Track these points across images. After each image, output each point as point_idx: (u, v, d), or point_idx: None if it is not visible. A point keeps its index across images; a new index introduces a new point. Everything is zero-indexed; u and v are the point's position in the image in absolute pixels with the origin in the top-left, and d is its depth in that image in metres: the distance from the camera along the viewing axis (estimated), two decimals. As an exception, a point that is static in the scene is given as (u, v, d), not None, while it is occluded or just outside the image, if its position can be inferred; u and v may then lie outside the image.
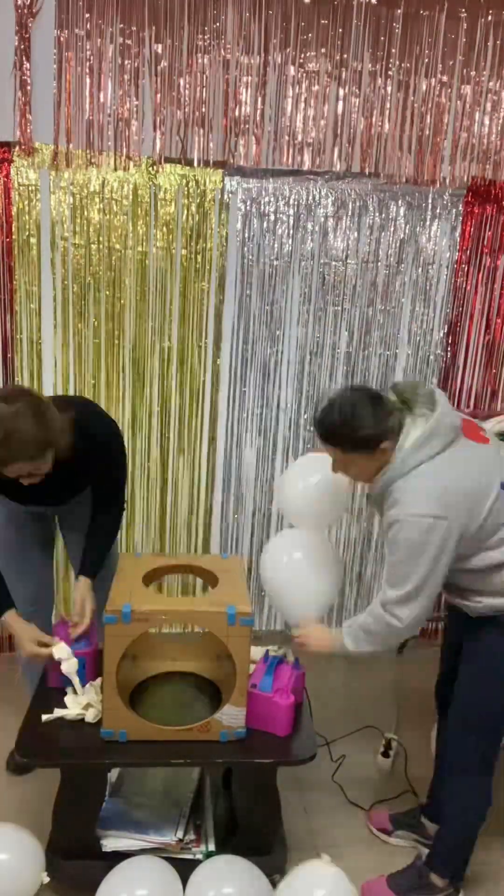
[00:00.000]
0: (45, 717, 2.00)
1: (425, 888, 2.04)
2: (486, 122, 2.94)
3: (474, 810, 2.00)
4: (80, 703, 2.02)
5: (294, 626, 2.17)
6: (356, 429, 1.82)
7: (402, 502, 1.79)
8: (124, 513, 2.42)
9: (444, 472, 1.80)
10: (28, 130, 2.70)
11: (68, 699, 2.04)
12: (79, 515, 2.33)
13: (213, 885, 1.86)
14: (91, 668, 2.10)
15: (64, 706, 2.03)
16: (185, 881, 1.89)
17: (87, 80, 2.68)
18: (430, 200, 3.01)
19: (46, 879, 1.96)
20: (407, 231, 3.02)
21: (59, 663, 2.02)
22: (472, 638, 1.98)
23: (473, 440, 1.90)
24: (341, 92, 2.83)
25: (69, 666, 2.01)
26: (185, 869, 1.91)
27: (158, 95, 2.73)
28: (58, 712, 2.01)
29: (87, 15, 2.64)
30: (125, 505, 2.38)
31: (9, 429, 1.77)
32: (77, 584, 2.23)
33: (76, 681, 2.04)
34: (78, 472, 2.14)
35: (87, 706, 2.02)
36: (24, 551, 2.37)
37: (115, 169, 2.77)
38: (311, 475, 2.21)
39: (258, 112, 2.80)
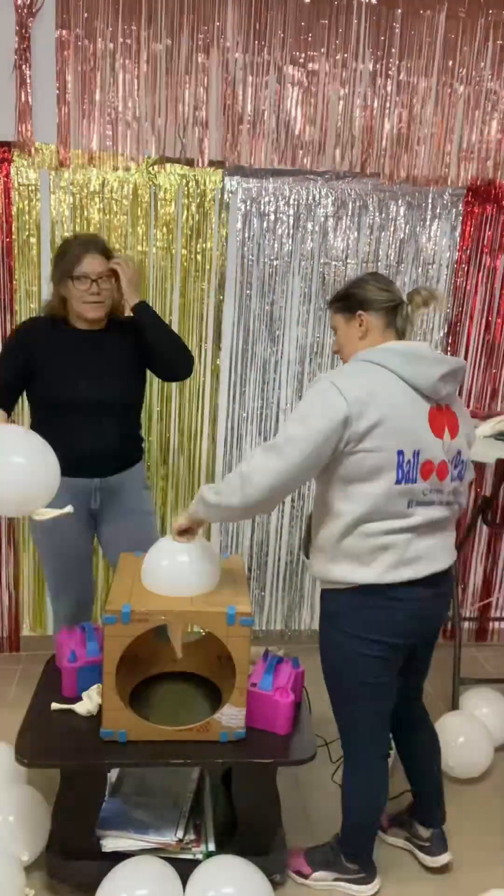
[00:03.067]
0: (54, 706, 2.03)
1: (337, 867, 2.09)
2: (487, 121, 2.94)
3: (362, 805, 2.03)
4: (94, 701, 2.03)
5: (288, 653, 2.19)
6: (347, 287, 1.92)
7: (336, 372, 1.81)
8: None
9: (382, 382, 1.76)
10: (28, 130, 2.70)
11: (85, 695, 2.06)
12: (121, 502, 2.38)
13: (213, 885, 1.86)
14: None
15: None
16: (185, 881, 1.89)
17: (87, 80, 2.68)
18: (430, 200, 3.01)
19: (31, 893, 1.95)
20: (407, 231, 3.02)
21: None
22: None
23: (431, 427, 1.82)
24: (341, 92, 2.83)
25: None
26: (185, 869, 1.91)
27: (158, 95, 2.73)
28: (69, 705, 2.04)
29: (87, 15, 2.64)
30: (191, 365, 2.44)
31: (84, 235, 2.39)
32: None
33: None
34: (120, 343, 2.33)
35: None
36: (67, 559, 2.45)
37: (115, 169, 2.78)
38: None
39: (258, 112, 2.80)
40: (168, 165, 2.80)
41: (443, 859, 2.15)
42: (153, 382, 3.00)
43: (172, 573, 1.97)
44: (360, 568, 1.80)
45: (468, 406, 3.24)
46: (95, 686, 2.05)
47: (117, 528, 2.45)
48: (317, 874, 2.10)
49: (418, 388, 1.79)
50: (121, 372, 2.34)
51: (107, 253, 2.27)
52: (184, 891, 1.88)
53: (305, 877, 2.10)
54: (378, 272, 1.96)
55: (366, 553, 1.79)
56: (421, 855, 2.18)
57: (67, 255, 2.23)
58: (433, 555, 1.87)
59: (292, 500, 3.24)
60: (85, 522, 2.42)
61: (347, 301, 1.90)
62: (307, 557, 1.98)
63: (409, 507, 1.80)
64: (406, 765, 2.20)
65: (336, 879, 2.09)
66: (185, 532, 1.98)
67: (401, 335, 1.89)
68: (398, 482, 1.76)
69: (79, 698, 2.06)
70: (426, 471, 1.81)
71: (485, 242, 3.08)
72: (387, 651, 1.87)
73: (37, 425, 2.30)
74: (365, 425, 1.72)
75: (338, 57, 2.80)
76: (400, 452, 1.75)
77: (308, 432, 1.71)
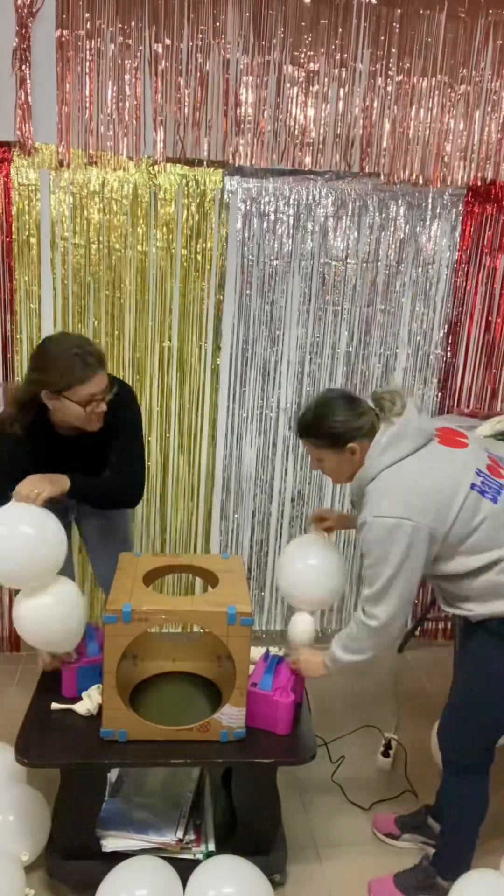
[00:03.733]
0: (54, 706, 2.03)
1: (431, 888, 2.05)
2: (486, 121, 2.94)
3: (471, 812, 2.01)
4: (94, 701, 2.03)
5: (289, 653, 2.19)
6: (326, 424, 1.90)
7: (370, 504, 1.84)
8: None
9: (409, 473, 1.83)
10: (28, 130, 2.70)
11: (85, 695, 2.06)
12: (97, 526, 2.39)
13: (213, 885, 1.85)
14: None
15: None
16: (185, 881, 1.89)
17: (87, 80, 2.68)
18: (430, 200, 3.01)
19: (31, 893, 1.95)
20: (407, 231, 3.02)
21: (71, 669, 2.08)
22: (466, 642, 2.00)
23: (449, 446, 1.91)
24: (341, 92, 2.83)
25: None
26: (185, 869, 1.91)
27: (158, 95, 2.73)
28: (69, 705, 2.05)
29: (87, 15, 2.64)
30: (138, 495, 2.28)
31: (81, 344, 2.04)
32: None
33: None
34: (105, 440, 2.18)
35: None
36: None
37: (115, 169, 2.78)
38: (309, 557, 2.20)
39: (258, 112, 2.80)
40: (168, 165, 2.80)
41: None
42: (153, 381, 3.00)
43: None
44: None
45: (468, 406, 3.24)
46: (95, 686, 2.05)
47: (98, 541, 2.52)
48: (406, 835, 2.24)
49: (428, 435, 1.89)
50: (102, 468, 2.23)
51: (105, 363, 2.09)
52: (184, 891, 1.88)
53: (395, 839, 2.23)
54: (340, 392, 1.98)
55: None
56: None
57: (67, 371, 2.00)
58: None
59: (292, 500, 3.24)
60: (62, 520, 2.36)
61: (333, 438, 1.90)
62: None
63: None
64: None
65: (423, 843, 2.19)
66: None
67: (373, 428, 1.91)
68: (494, 502, 1.84)
69: (79, 698, 2.06)
70: (496, 469, 1.90)
71: (485, 242, 3.08)
72: None
73: None
74: (447, 523, 1.80)
75: (338, 57, 2.80)
76: (472, 486, 1.83)
77: (404, 572, 1.81)
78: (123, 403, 2.19)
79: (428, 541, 1.80)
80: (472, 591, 1.88)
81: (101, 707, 1.98)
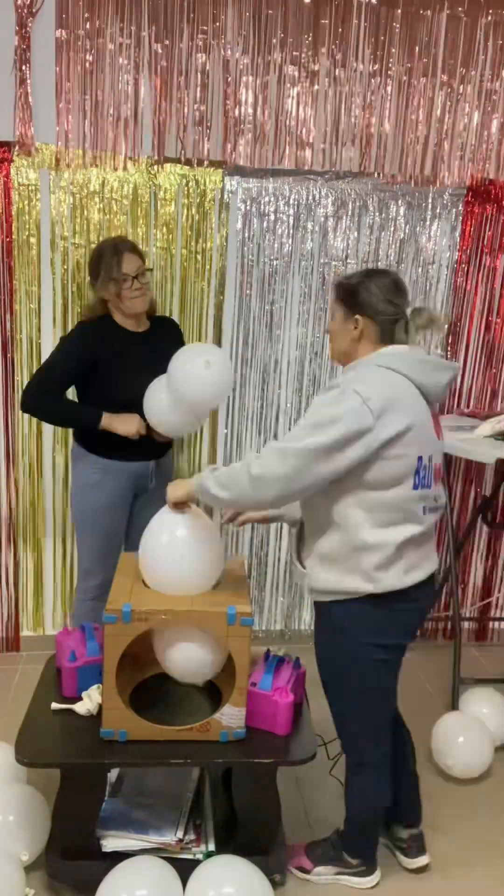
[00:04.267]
0: (54, 706, 2.03)
1: (339, 861, 2.11)
2: (486, 121, 2.94)
3: (366, 803, 2.05)
4: (94, 701, 2.03)
5: (289, 654, 2.19)
6: (353, 282, 1.85)
7: (354, 378, 1.75)
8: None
9: (389, 381, 1.75)
10: (28, 130, 2.70)
11: (85, 695, 2.06)
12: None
13: (213, 885, 1.85)
14: None
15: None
16: (185, 881, 1.89)
17: (87, 80, 2.68)
18: (430, 200, 3.01)
19: (31, 892, 1.95)
20: (407, 231, 3.02)
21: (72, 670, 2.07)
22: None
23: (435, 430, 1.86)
24: (341, 92, 2.83)
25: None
26: (185, 869, 1.91)
27: (158, 95, 2.73)
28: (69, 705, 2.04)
29: (87, 15, 2.64)
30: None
31: (115, 238, 2.55)
32: None
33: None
34: (162, 343, 2.51)
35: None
36: (109, 538, 2.64)
37: (115, 169, 2.78)
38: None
39: (258, 112, 2.80)
40: (168, 165, 2.81)
41: (421, 861, 2.15)
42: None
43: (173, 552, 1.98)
44: (379, 574, 1.78)
45: (468, 406, 3.24)
46: (96, 686, 2.05)
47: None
48: (318, 868, 2.11)
49: (427, 394, 1.81)
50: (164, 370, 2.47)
51: (137, 250, 2.48)
52: (184, 891, 1.88)
53: (307, 872, 2.11)
54: (398, 278, 1.86)
55: (384, 560, 1.78)
56: (399, 856, 2.18)
57: (104, 260, 2.41)
58: (431, 553, 1.92)
59: (292, 500, 3.24)
60: (128, 507, 2.65)
61: (351, 298, 1.84)
62: (303, 567, 1.95)
63: (423, 513, 1.82)
64: None
65: (338, 874, 2.11)
66: (181, 505, 1.97)
67: (391, 326, 1.84)
68: (415, 488, 1.77)
69: (79, 698, 2.06)
70: (437, 475, 1.84)
71: (485, 242, 3.08)
72: (399, 653, 1.91)
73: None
74: (390, 432, 1.70)
75: (338, 57, 2.80)
76: (419, 458, 1.77)
77: (328, 441, 1.67)
78: (175, 323, 2.77)
79: (364, 439, 1.67)
80: (333, 549, 1.81)
81: (101, 707, 1.98)
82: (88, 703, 2.03)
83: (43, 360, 2.90)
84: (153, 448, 2.58)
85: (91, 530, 2.64)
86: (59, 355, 2.50)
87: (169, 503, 1.98)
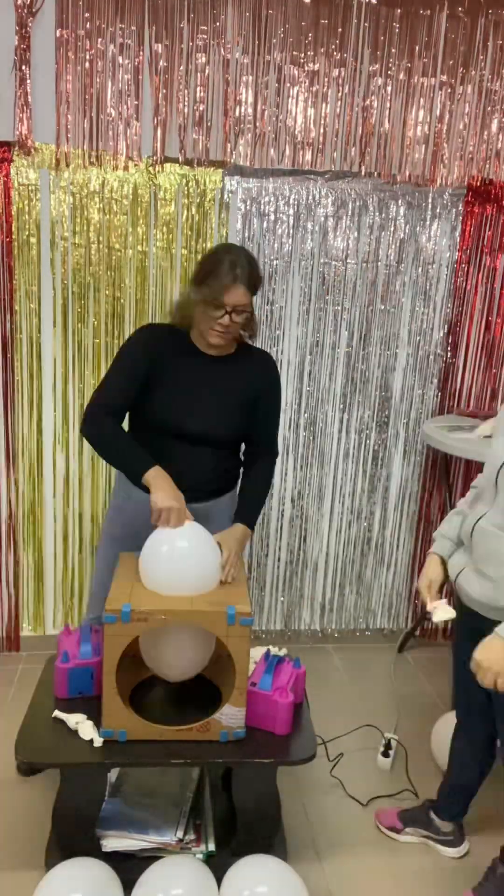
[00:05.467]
0: (56, 714, 2.02)
1: (430, 826, 2.24)
2: (486, 121, 2.94)
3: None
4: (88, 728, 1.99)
5: (289, 653, 2.19)
6: None
7: None
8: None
9: None
10: (28, 130, 2.70)
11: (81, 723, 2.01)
12: (206, 526, 2.14)
13: (248, 885, 1.86)
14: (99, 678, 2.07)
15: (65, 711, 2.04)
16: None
17: (87, 80, 2.68)
18: (430, 200, 3.01)
19: None
20: (407, 231, 3.02)
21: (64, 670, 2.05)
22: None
23: None
24: (341, 92, 2.83)
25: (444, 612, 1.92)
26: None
27: (158, 95, 2.73)
28: (64, 716, 2.01)
29: (87, 15, 2.64)
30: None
31: (236, 256, 2.10)
32: (232, 530, 2.18)
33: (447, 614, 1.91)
34: (239, 378, 2.24)
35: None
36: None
37: (115, 169, 2.78)
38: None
39: (258, 112, 2.80)
40: (168, 165, 2.81)
41: (464, 848, 2.25)
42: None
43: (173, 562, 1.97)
44: None
45: (468, 406, 3.24)
46: (91, 724, 1.99)
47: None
48: (408, 829, 2.26)
49: None
50: (231, 409, 2.24)
51: (254, 286, 2.12)
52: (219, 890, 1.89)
53: (398, 832, 2.27)
54: None
55: None
56: (442, 848, 2.24)
57: (215, 278, 2.07)
58: None
59: (292, 500, 3.24)
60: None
61: None
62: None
63: None
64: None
65: (426, 837, 2.23)
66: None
67: None
68: None
69: (72, 699, 2.06)
70: None
71: (485, 242, 3.08)
72: None
73: (133, 435, 2.24)
74: None
75: (338, 57, 2.80)
76: None
77: None
78: (272, 365, 2.34)
79: None
80: None
81: (100, 707, 1.98)
82: (84, 732, 1.99)
83: (44, 361, 2.92)
84: (189, 491, 2.11)
85: (121, 543, 2.28)
86: (115, 363, 2.19)
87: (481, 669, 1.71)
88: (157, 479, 2.03)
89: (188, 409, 2.18)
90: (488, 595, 1.78)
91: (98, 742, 1.93)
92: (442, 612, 1.89)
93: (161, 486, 2.01)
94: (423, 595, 1.96)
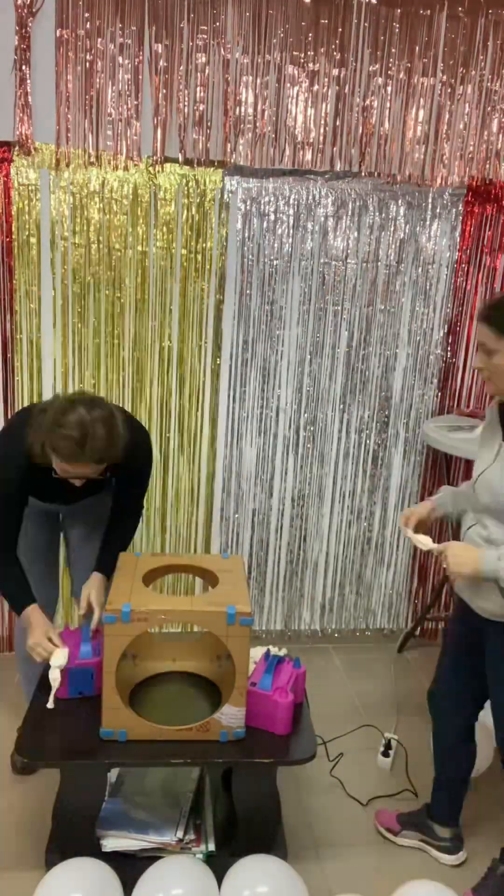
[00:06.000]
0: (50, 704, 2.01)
1: (427, 831, 2.23)
2: (486, 121, 2.94)
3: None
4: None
5: (289, 653, 2.18)
6: None
7: None
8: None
9: None
10: (28, 130, 2.70)
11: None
12: (87, 507, 2.34)
13: (248, 885, 1.87)
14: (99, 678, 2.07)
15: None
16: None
17: (87, 80, 2.68)
18: (430, 200, 3.01)
19: None
20: (407, 231, 3.02)
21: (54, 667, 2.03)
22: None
23: None
24: (341, 92, 2.83)
25: (54, 674, 1.98)
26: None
27: (158, 95, 2.73)
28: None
29: (87, 15, 2.64)
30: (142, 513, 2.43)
31: (89, 433, 1.87)
32: (90, 580, 2.22)
33: (54, 689, 1.99)
34: (108, 478, 2.12)
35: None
36: (38, 552, 2.39)
37: (115, 169, 2.78)
38: None
39: (258, 112, 2.80)
40: (168, 165, 2.80)
41: (462, 856, 2.22)
42: (153, 381, 3.00)
43: None
44: None
45: (468, 406, 3.24)
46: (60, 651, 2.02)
47: (83, 521, 2.44)
48: (406, 832, 2.25)
49: None
50: (95, 490, 2.24)
51: (104, 460, 1.95)
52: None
53: (395, 834, 2.26)
54: None
55: None
56: (439, 854, 2.21)
57: (64, 444, 1.89)
58: None
59: (293, 500, 3.24)
60: (53, 531, 2.46)
61: None
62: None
63: None
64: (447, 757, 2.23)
65: (423, 841, 2.22)
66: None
67: None
68: None
69: (71, 699, 2.06)
70: None
71: (485, 242, 3.08)
72: None
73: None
74: None
75: (338, 57, 2.79)
76: None
77: None
78: (139, 456, 2.17)
79: None
80: None
81: (100, 707, 1.98)
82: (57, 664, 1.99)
83: (44, 361, 2.92)
84: (72, 495, 2.15)
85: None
86: None
87: (451, 573, 1.79)
88: (32, 616, 2.08)
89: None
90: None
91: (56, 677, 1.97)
92: (423, 540, 1.91)
93: (35, 625, 2.06)
94: (400, 524, 1.98)
